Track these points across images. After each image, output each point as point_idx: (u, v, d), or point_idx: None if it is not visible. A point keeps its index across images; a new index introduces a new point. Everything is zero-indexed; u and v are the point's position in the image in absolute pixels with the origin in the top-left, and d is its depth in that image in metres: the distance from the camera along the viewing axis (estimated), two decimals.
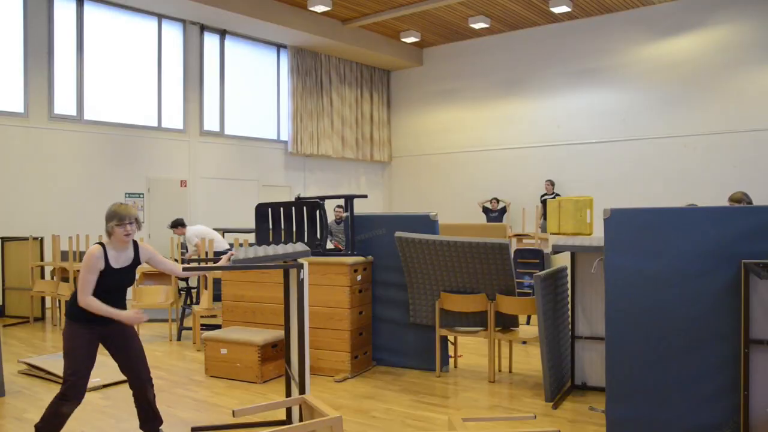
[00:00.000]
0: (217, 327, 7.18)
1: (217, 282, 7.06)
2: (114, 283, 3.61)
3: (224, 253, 5.92)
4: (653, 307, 3.72)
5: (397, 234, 5.40)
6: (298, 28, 12.33)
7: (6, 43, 9.43)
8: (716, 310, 3.59)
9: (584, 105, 13.06)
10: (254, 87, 13.10)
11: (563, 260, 6.72)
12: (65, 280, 8.31)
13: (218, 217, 12.15)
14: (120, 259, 3.62)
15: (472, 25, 13.14)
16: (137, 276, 7.82)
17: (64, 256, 8.75)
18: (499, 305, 5.21)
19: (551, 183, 13.05)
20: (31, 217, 9.39)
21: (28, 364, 5.72)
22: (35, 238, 8.54)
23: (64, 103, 10.03)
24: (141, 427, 3.83)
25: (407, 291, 5.65)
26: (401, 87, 15.81)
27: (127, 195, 10.74)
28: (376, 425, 4.29)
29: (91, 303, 3.50)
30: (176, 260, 7.98)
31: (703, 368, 3.63)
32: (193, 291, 8.90)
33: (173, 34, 11.58)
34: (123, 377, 5.40)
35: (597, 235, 5.54)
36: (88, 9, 10.32)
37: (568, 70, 13.24)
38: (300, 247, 4.16)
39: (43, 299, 8.67)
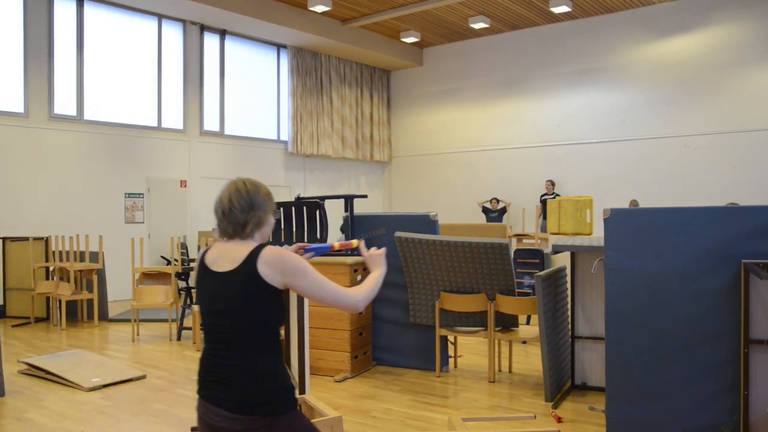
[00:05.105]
0: None
1: None
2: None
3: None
4: (653, 307, 3.72)
5: (397, 234, 5.40)
6: (298, 28, 12.33)
7: (6, 43, 9.43)
8: (716, 310, 3.59)
9: (584, 105, 13.06)
10: (254, 87, 13.10)
11: (563, 260, 6.72)
12: (64, 279, 8.31)
13: None
14: None
15: (472, 25, 13.14)
16: (137, 276, 7.82)
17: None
18: (499, 305, 5.21)
19: (552, 183, 13.05)
20: (32, 217, 9.39)
21: (28, 364, 5.72)
22: (37, 239, 8.53)
23: (64, 103, 10.02)
24: None
25: (407, 291, 5.65)
26: (401, 87, 15.80)
27: (127, 195, 10.75)
28: (376, 425, 4.29)
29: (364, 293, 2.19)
30: (176, 261, 7.97)
31: (703, 368, 3.63)
32: (193, 291, 8.89)
33: (173, 34, 11.58)
34: (123, 377, 5.43)
35: (597, 235, 5.54)
36: (88, 9, 10.32)
37: (568, 70, 13.24)
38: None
39: (44, 299, 8.67)
